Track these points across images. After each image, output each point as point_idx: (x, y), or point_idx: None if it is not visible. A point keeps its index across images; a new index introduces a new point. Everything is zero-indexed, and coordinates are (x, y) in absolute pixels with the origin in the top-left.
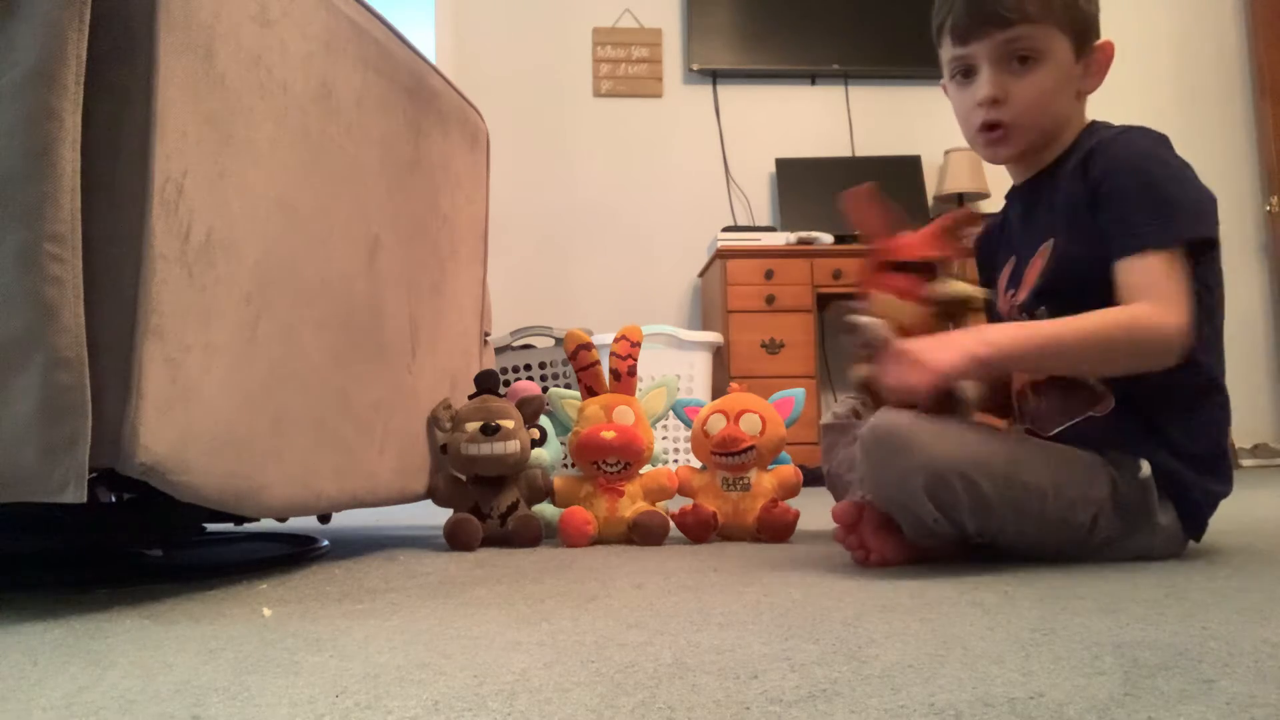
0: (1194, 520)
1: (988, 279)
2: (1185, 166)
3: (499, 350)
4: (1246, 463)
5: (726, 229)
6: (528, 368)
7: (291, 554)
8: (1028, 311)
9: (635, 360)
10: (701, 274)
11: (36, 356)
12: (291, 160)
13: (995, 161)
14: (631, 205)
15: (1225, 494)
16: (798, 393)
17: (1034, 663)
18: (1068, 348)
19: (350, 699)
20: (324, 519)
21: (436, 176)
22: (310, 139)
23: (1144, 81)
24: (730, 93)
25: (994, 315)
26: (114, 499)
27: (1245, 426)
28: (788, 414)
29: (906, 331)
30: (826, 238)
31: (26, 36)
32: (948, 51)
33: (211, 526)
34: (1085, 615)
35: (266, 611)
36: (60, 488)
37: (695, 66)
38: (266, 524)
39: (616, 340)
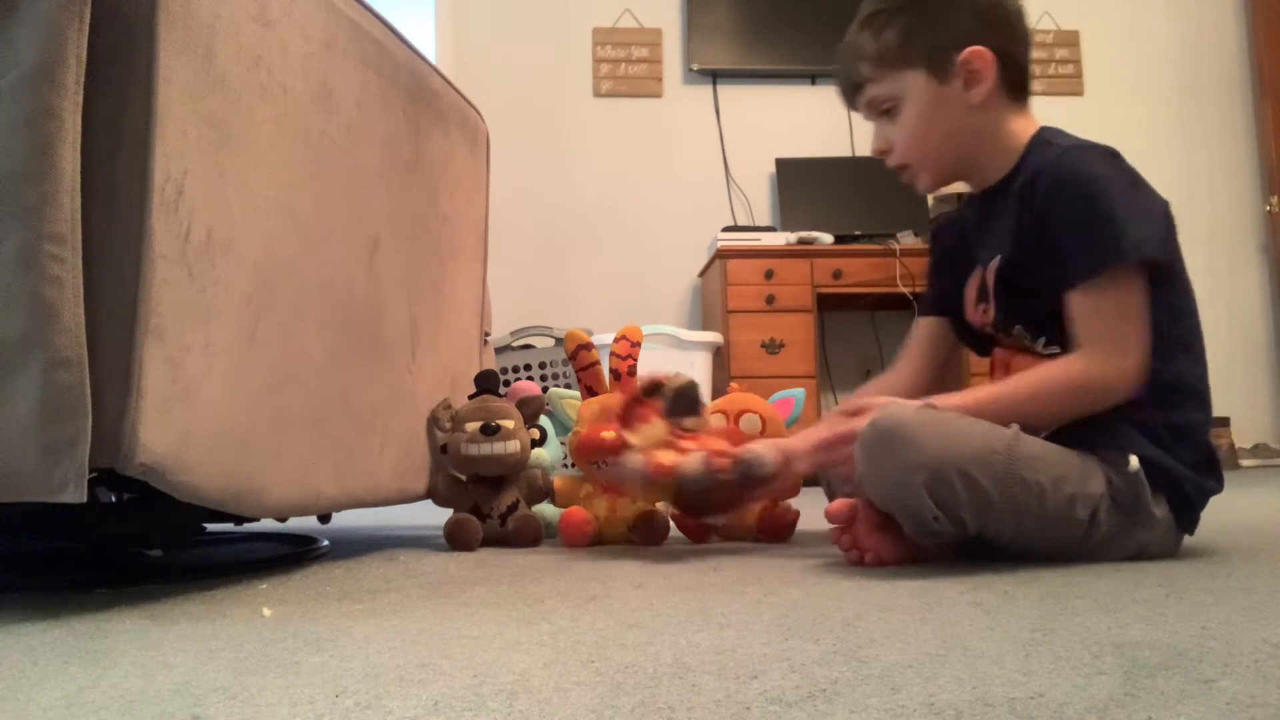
0: (1187, 513)
1: (945, 276)
2: (1132, 183)
3: (499, 350)
4: (1246, 463)
5: (726, 229)
6: (528, 368)
7: (291, 554)
8: (1002, 330)
9: (635, 360)
10: (701, 274)
11: (36, 356)
12: (291, 160)
13: (924, 192)
14: (631, 205)
15: (1216, 490)
16: (798, 393)
17: (1034, 663)
18: (1008, 407)
19: (350, 699)
20: (324, 519)
21: (436, 176)
22: (310, 139)
23: (1144, 81)
24: (730, 93)
25: (965, 328)
26: (114, 499)
27: (1245, 426)
28: (788, 414)
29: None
30: (826, 238)
31: (26, 36)
32: None
33: (211, 526)
34: (1085, 615)
35: (266, 611)
36: (60, 487)
37: (695, 66)
38: (266, 524)
39: (616, 340)
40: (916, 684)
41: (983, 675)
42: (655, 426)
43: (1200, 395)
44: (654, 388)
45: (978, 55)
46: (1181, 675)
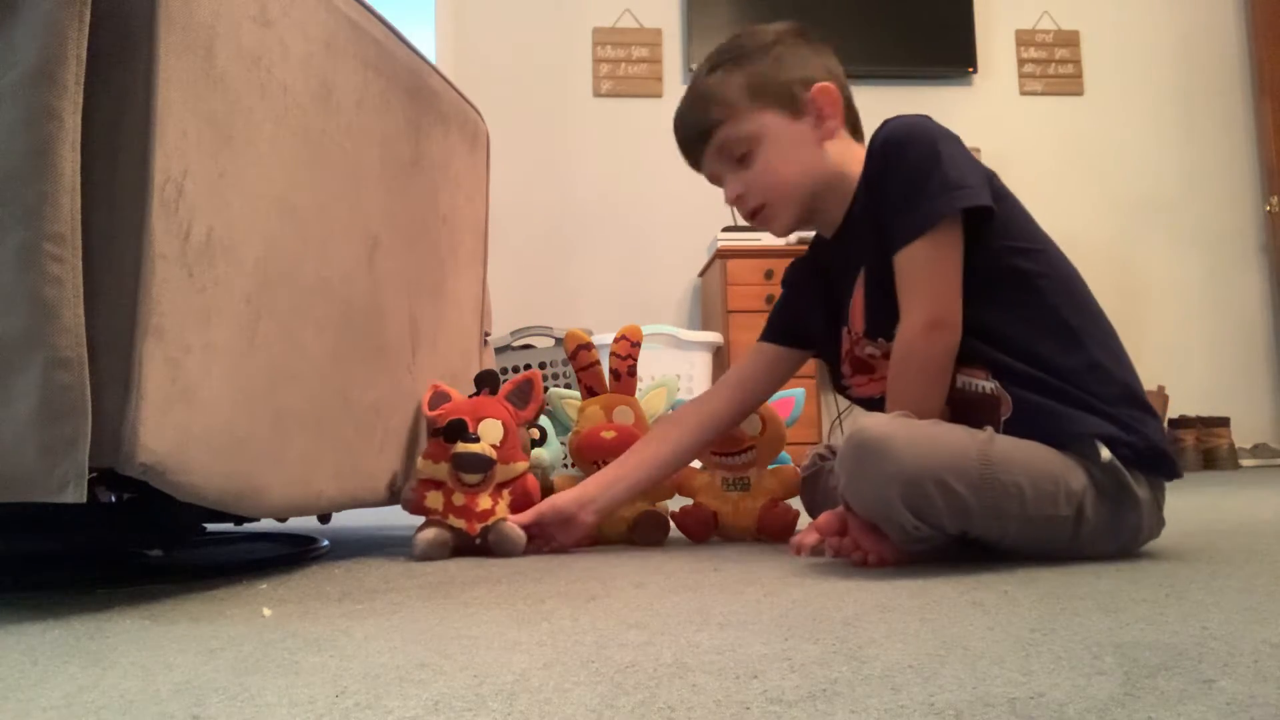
0: (1160, 461)
1: (799, 312)
2: (948, 138)
3: (499, 350)
4: (1246, 463)
5: (726, 229)
6: (528, 367)
7: (291, 554)
8: (872, 337)
9: (635, 360)
10: (701, 274)
11: (36, 356)
12: (291, 160)
13: (782, 234)
14: (631, 205)
15: (1159, 423)
16: (798, 393)
17: (1034, 663)
18: (900, 408)
19: (350, 699)
20: (324, 519)
21: (436, 176)
22: (310, 139)
23: (1144, 81)
24: None
25: (835, 360)
26: (114, 499)
27: (1245, 426)
28: (788, 414)
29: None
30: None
31: (26, 36)
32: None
33: (211, 526)
34: (1085, 615)
35: (266, 611)
36: (60, 487)
37: (695, 66)
38: (266, 524)
39: (616, 340)
40: (916, 684)
41: (983, 675)
42: (441, 468)
43: (1092, 335)
44: (453, 426)
45: (826, 91)
46: (1181, 675)
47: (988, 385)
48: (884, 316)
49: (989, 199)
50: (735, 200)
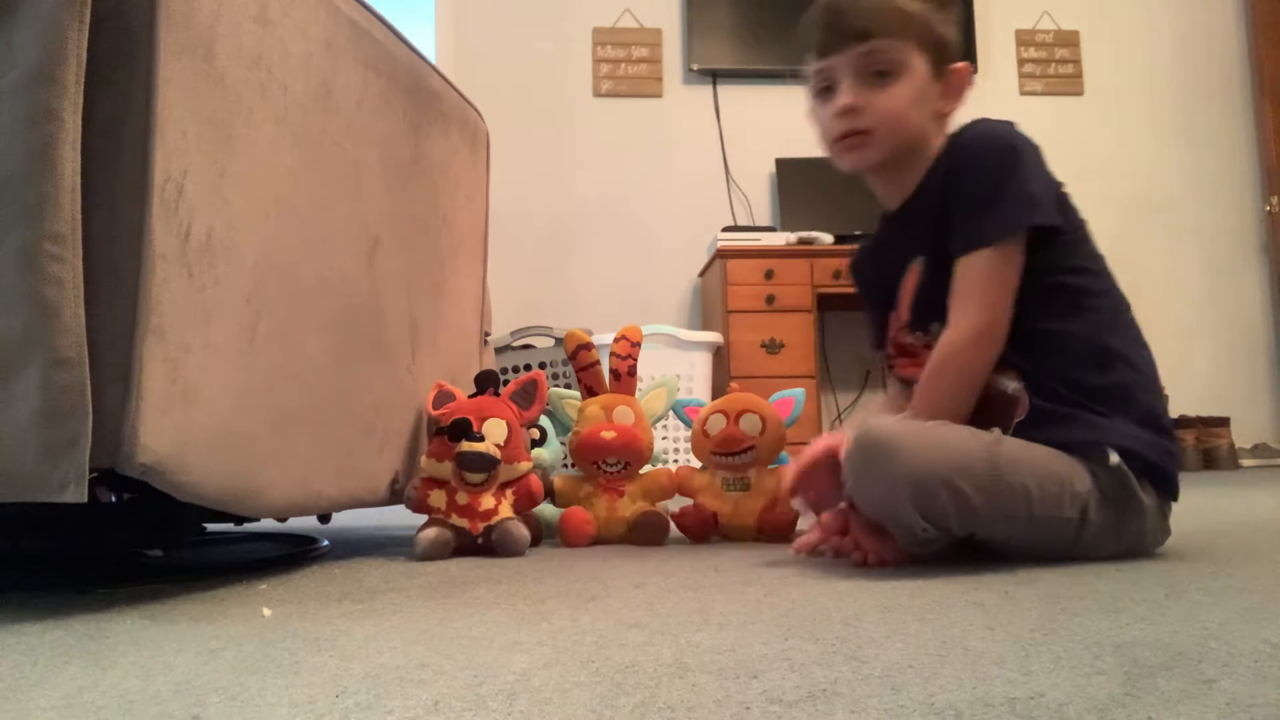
0: (1166, 481)
1: (876, 306)
2: (1030, 150)
3: (499, 350)
4: (1246, 463)
5: (726, 229)
6: (528, 367)
7: (291, 554)
8: (915, 330)
9: (635, 360)
10: (701, 274)
11: (37, 356)
12: (291, 160)
13: (856, 168)
14: (631, 205)
15: (1176, 447)
16: (798, 393)
17: (1034, 663)
18: (924, 411)
19: (350, 699)
20: (324, 519)
21: (436, 177)
22: (310, 139)
23: (1144, 81)
24: (730, 93)
25: (882, 338)
26: (114, 499)
27: (1245, 426)
28: (788, 414)
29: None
30: (826, 238)
31: (26, 36)
32: (811, 67)
33: (211, 526)
34: (1085, 615)
35: (266, 611)
36: (60, 488)
37: (695, 66)
38: (266, 524)
39: (616, 340)
40: (916, 684)
41: (983, 675)
42: (445, 466)
43: (1128, 360)
44: (457, 427)
45: (966, 73)
46: (1181, 675)
47: (1011, 385)
48: (929, 312)
49: (1057, 219)
50: (846, 110)
